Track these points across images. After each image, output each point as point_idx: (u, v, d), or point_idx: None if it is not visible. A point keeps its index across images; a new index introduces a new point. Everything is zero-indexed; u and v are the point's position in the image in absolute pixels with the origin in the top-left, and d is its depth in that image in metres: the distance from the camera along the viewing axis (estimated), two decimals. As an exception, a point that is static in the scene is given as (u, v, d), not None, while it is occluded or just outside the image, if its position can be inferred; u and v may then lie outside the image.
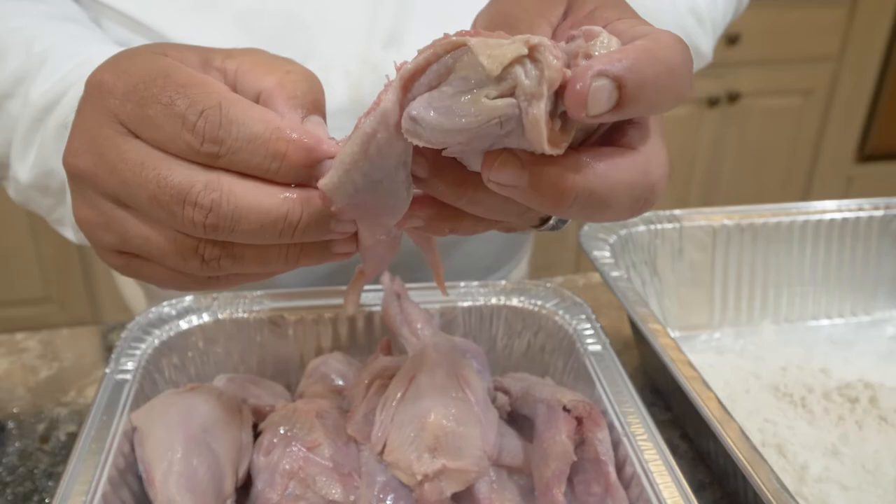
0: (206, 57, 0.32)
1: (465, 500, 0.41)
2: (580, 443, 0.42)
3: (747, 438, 0.38)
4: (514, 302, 0.52)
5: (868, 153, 2.02)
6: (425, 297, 0.51)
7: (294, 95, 0.31)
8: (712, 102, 1.80)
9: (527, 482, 0.43)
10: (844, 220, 0.60)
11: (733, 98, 1.81)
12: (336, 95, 0.54)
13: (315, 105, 0.32)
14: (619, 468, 0.41)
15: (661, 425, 0.50)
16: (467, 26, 0.54)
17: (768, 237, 0.59)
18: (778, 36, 1.79)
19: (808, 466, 0.43)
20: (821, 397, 0.51)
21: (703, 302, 0.59)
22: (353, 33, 0.54)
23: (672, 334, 0.59)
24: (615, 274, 0.52)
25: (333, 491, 0.40)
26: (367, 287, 0.50)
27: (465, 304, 0.52)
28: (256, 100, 0.31)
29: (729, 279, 0.59)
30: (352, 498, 0.40)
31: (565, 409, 0.42)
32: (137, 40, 0.52)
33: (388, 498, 0.40)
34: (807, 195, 2.02)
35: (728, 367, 0.54)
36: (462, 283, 0.52)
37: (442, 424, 0.39)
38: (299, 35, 0.54)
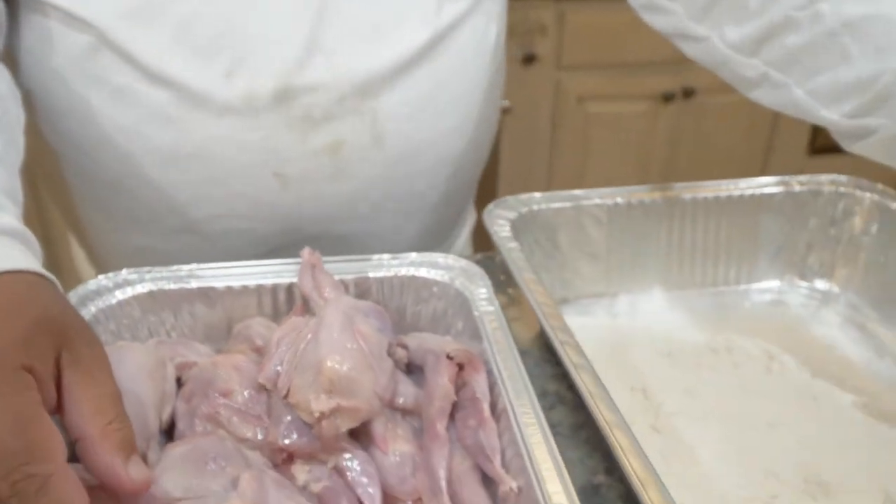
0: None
1: (363, 439, 0.48)
2: (462, 385, 0.48)
3: (600, 383, 0.45)
4: (422, 273, 0.58)
5: (819, 146, 2.10)
6: (341, 268, 0.57)
7: (114, 447, 0.35)
8: (667, 98, 1.87)
9: (419, 423, 0.49)
10: (729, 196, 0.66)
11: (688, 94, 1.88)
12: (262, 99, 0.60)
13: (133, 448, 0.36)
14: (493, 406, 0.47)
15: (553, 378, 0.56)
16: (392, 32, 0.60)
17: (659, 213, 0.65)
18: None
19: (664, 403, 0.49)
20: (690, 350, 0.57)
21: (601, 272, 0.66)
22: (286, 42, 0.60)
23: (574, 301, 0.66)
24: (511, 245, 0.58)
25: (245, 430, 0.46)
26: (290, 261, 0.57)
27: (378, 274, 0.58)
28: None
29: (624, 251, 0.66)
30: (260, 437, 0.46)
31: (449, 357, 0.48)
32: (73, 36, 0.57)
33: (293, 435, 0.46)
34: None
35: (618, 328, 0.61)
36: (375, 256, 0.58)
37: (336, 369, 0.45)
38: (235, 42, 0.60)
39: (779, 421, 0.51)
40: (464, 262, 0.58)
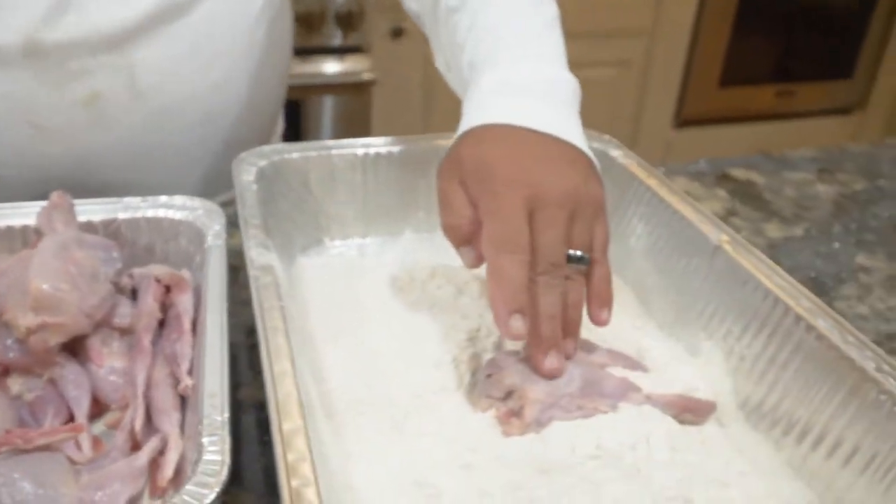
0: None
1: (81, 354, 0.54)
2: (170, 305, 0.55)
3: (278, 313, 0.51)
4: (169, 214, 0.64)
5: (683, 119, 2.22)
6: (92, 209, 0.63)
7: None
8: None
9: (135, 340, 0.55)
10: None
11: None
12: (11, 53, 0.63)
13: None
14: (195, 323, 0.54)
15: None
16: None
17: (414, 162, 0.72)
18: (594, 10, 1.96)
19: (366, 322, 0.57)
20: (428, 278, 0.64)
21: (353, 217, 0.72)
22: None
23: (328, 243, 0.72)
24: (252, 188, 0.64)
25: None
26: (41, 203, 0.62)
27: (126, 216, 0.63)
28: None
29: (378, 199, 0.73)
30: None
31: (157, 279, 0.55)
32: None
33: (8, 351, 0.51)
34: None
35: (369, 267, 0.68)
36: (126, 199, 0.64)
37: (42, 289, 0.50)
38: None
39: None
40: (208, 205, 0.64)
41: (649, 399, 0.51)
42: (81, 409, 0.52)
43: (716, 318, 0.59)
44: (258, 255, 0.54)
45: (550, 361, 0.49)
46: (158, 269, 0.55)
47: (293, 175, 0.70)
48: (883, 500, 0.46)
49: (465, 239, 0.53)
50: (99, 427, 0.53)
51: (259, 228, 0.58)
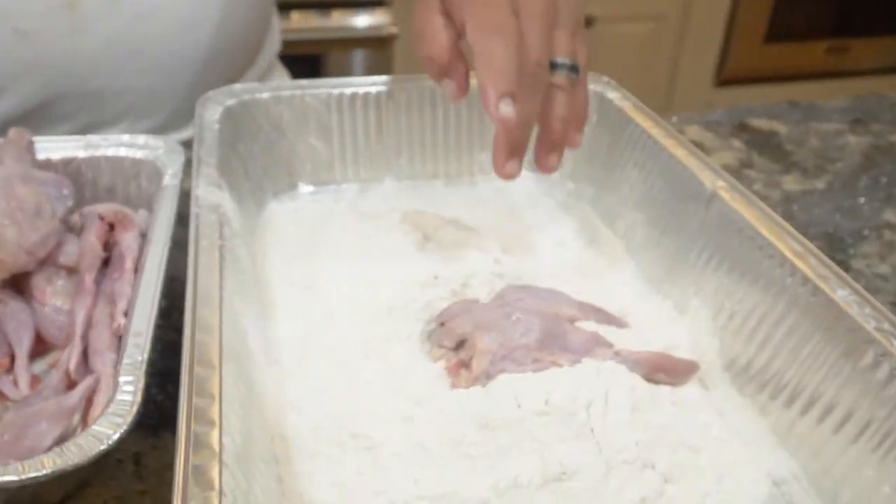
0: None
1: (26, 292, 0.51)
2: (114, 244, 0.52)
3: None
4: (130, 153, 0.61)
5: (725, 78, 2.12)
6: (51, 146, 0.60)
7: None
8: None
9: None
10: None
11: (587, 23, 1.89)
12: None
13: None
14: (136, 260, 0.51)
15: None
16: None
17: (396, 103, 0.68)
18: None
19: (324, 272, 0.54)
20: (396, 224, 0.60)
21: (329, 161, 0.69)
22: None
23: (300, 187, 0.69)
24: (214, 127, 0.60)
25: None
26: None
27: (85, 154, 0.61)
28: None
29: (356, 141, 0.69)
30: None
31: (101, 217, 0.52)
32: None
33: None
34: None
35: (340, 214, 0.64)
36: (88, 137, 0.61)
37: (-22, 225, 0.48)
38: None
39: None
40: (172, 144, 0.61)
41: (618, 355, 0.46)
42: (22, 347, 0.49)
43: (707, 270, 0.54)
44: (206, 194, 0.51)
45: (511, 166, 0.47)
46: (103, 207, 0.53)
47: (263, 116, 0.66)
48: (877, 470, 0.41)
49: (444, 70, 0.51)
50: (41, 366, 0.51)
51: (213, 167, 0.55)
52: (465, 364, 0.44)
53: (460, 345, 0.46)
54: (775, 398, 0.47)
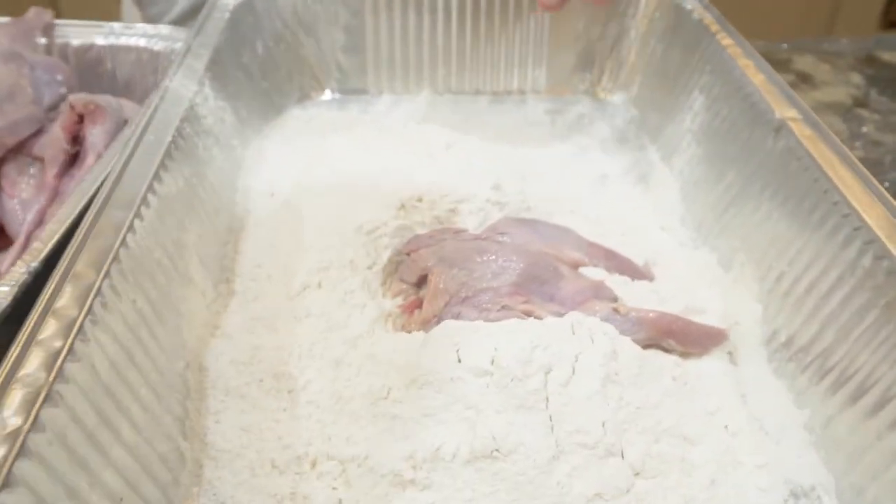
0: None
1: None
2: (84, 138, 0.48)
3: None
4: (151, 44, 0.57)
5: (893, 20, 1.84)
6: (70, 31, 0.58)
7: None
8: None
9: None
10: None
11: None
12: None
13: None
14: (100, 157, 0.46)
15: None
16: None
17: (433, 7, 0.60)
18: None
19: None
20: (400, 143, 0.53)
21: (361, 67, 0.62)
22: None
23: (332, 96, 0.62)
24: (227, 16, 0.55)
25: None
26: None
27: (104, 42, 0.57)
28: None
29: (395, 46, 0.61)
30: None
31: (72, 106, 0.47)
32: None
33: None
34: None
35: (356, 124, 0.58)
36: (111, 24, 0.58)
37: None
38: None
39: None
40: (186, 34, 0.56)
41: (616, 312, 0.37)
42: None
43: (760, 215, 0.43)
44: (178, 87, 0.46)
45: None
46: (75, 96, 0.48)
47: (290, 12, 0.60)
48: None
49: None
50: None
51: (202, 60, 0.49)
52: (420, 305, 0.37)
53: (422, 280, 0.39)
54: (817, 383, 0.37)
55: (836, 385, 0.36)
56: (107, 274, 0.32)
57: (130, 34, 0.58)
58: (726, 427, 0.35)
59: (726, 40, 0.52)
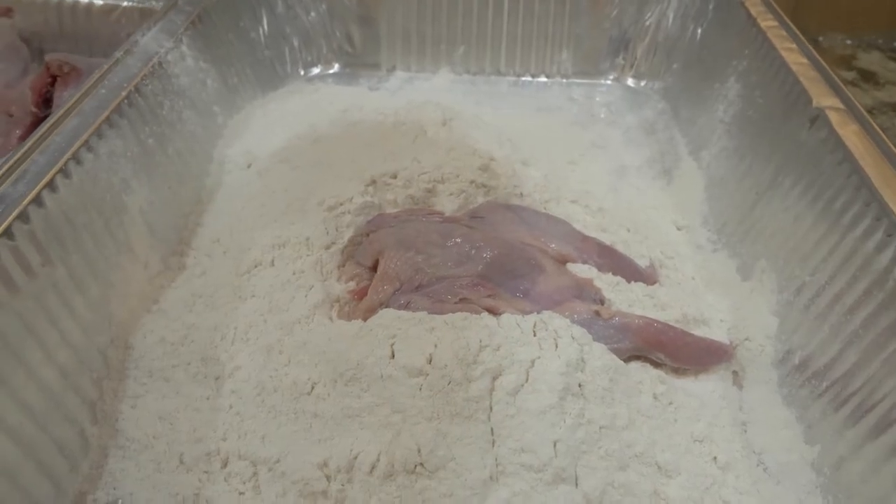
0: None
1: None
2: (52, 100, 0.45)
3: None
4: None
5: None
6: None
7: None
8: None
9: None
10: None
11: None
12: None
13: None
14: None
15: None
16: None
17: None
18: None
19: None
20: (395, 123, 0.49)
21: (377, 41, 0.58)
22: None
23: (342, 70, 0.59)
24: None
25: None
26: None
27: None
28: None
29: (412, 18, 0.57)
30: None
31: (48, 66, 0.45)
32: None
33: None
34: None
35: (370, 99, 0.54)
36: None
37: None
38: None
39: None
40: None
41: (598, 316, 0.32)
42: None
43: (788, 217, 0.37)
44: (149, 42, 0.42)
45: None
46: (52, 55, 0.46)
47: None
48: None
49: None
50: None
51: (183, 15, 0.46)
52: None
53: (376, 265, 0.34)
54: (832, 414, 0.31)
55: (854, 417, 0.30)
56: (7, 233, 0.29)
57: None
58: (715, 459, 0.30)
59: (768, 22, 0.46)
